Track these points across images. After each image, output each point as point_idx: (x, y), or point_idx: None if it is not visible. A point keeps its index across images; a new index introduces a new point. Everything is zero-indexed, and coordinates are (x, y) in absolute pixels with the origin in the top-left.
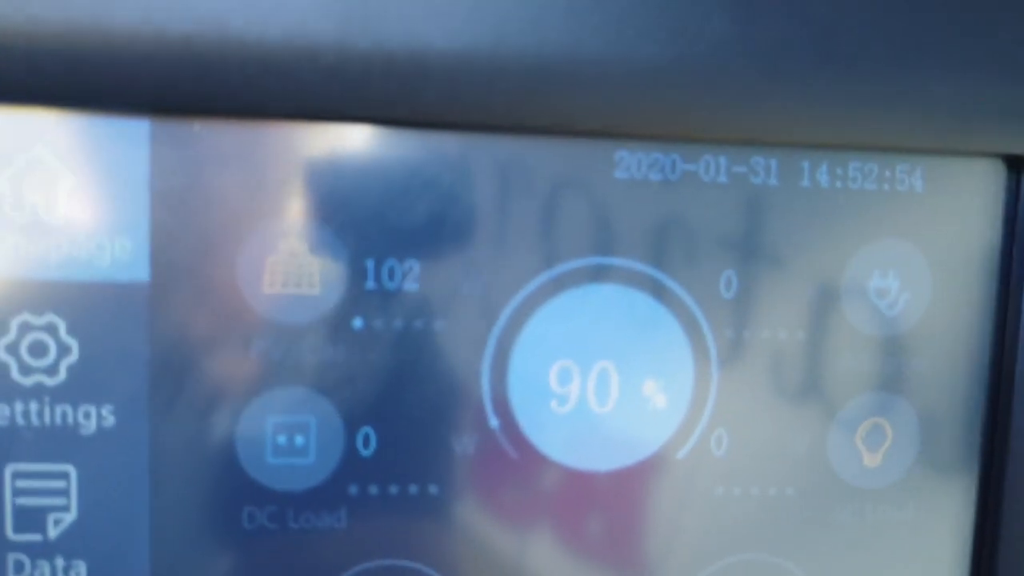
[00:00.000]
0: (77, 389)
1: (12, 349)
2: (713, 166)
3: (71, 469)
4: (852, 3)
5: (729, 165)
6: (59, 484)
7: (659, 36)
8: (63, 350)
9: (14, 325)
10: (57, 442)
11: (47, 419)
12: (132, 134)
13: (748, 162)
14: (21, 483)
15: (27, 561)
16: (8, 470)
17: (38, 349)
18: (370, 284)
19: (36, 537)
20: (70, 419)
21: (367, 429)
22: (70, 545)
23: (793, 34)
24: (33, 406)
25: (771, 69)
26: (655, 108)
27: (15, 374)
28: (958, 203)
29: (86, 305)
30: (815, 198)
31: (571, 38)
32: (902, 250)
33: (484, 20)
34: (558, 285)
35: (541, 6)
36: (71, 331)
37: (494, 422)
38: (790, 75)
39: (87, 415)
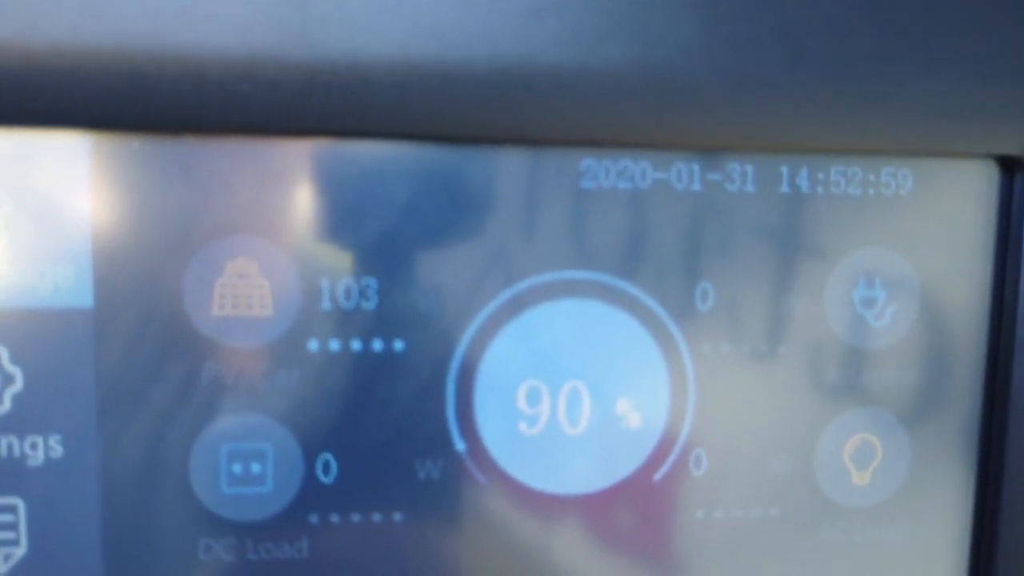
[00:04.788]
0: (23, 419)
1: None
2: (686, 173)
3: (19, 502)
4: (828, 1)
5: (703, 172)
6: (8, 518)
7: (622, 39)
8: (7, 379)
9: None
10: (4, 475)
11: None
12: (72, 155)
13: (723, 168)
14: None
15: None
16: None
17: None
18: (325, 304)
19: None
20: (16, 451)
21: (327, 455)
22: None
23: (765, 34)
24: None
25: (743, 72)
26: (621, 116)
27: None
28: (948, 207)
29: (29, 333)
30: (795, 205)
31: (526, 44)
32: (889, 258)
33: (432, 28)
34: (524, 301)
35: (493, 12)
36: (14, 360)
37: (460, 445)
38: (763, 78)
39: (34, 446)
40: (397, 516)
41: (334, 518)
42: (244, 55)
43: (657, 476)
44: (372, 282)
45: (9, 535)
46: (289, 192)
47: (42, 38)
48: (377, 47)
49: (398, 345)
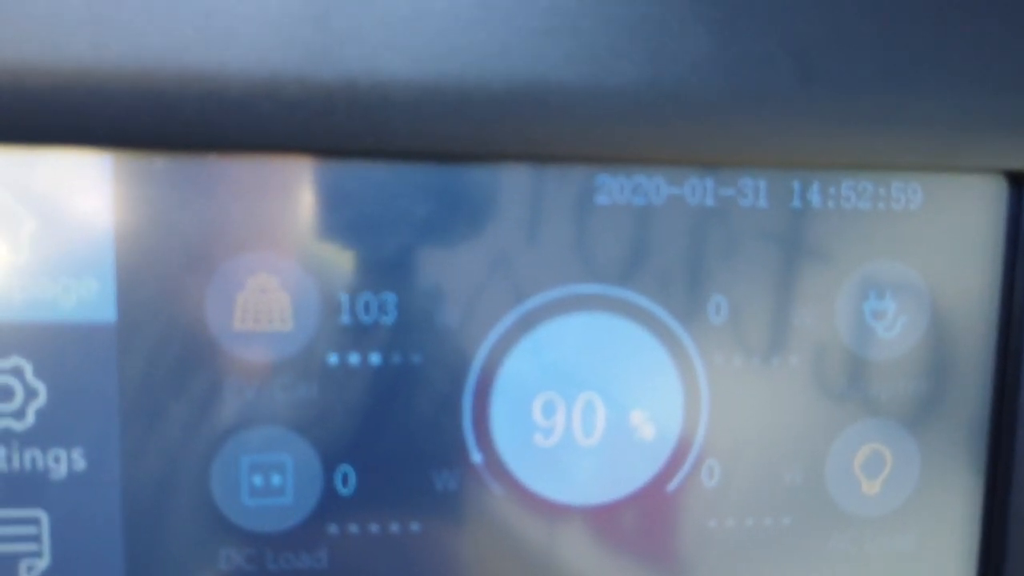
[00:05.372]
0: (46, 433)
1: None
2: (699, 189)
3: (42, 514)
4: (837, 17)
5: (716, 187)
6: (30, 530)
7: (635, 58)
8: (30, 394)
9: None
10: (27, 487)
11: (16, 464)
12: (95, 172)
13: (736, 184)
14: None
15: None
16: None
17: (4, 393)
18: (345, 319)
19: None
20: (40, 464)
21: (346, 467)
22: None
23: (777, 52)
24: (1, 451)
25: (755, 89)
26: (635, 133)
27: None
28: (957, 221)
29: (53, 347)
30: (807, 219)
31: (541, 63)
32: (899, 270)
33: (450, 47)
34: (540, 315)
35: (510, 32)
36: (38, 374)
37: (476, 456)
38: (775, 95)
39: (57, 459)
40: (415, 526)
41: (353, 528)
42: (265, 75)
43: (670, 486)
44: (391, 296)
45: (32, 547)
46: (309, 209)
47: (67, 59)
48: (396, 67)
49: (416, 359)
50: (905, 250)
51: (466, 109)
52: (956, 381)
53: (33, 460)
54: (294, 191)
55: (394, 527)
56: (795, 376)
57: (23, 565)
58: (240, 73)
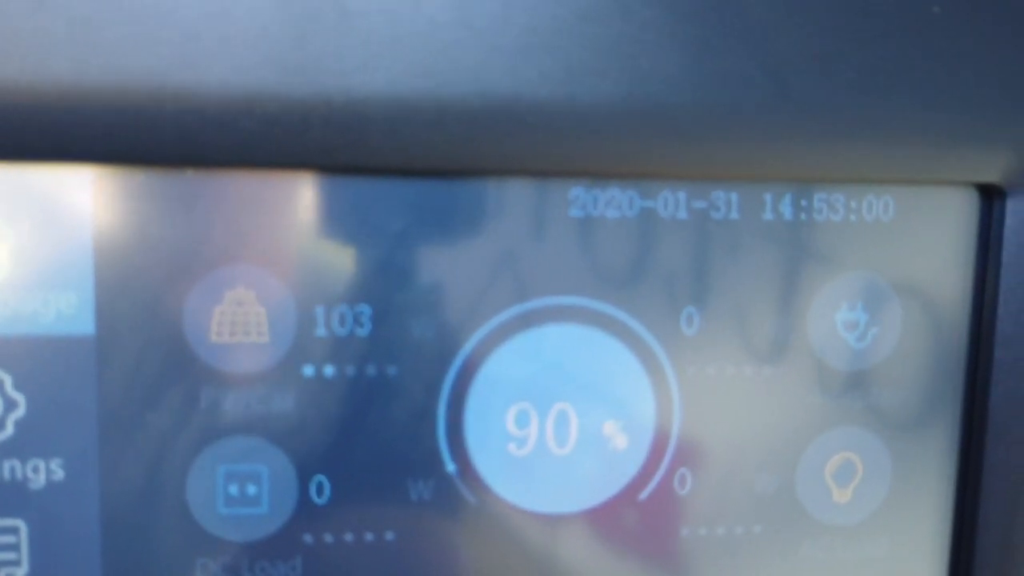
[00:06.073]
0: (25, 444)
1: None
2: (672, 202)
3: (21, 524)
4: (810, 33)
5: (688, 200)
6: (9, 539)
7: (610, 75)
8: (10, 405)
9: None
10: (6, 497)
11: None
12: (75, 187)
13: (708, 197)
14: None
15: None
16: None
17: None
18: (320, 331)
19: None
20: (19, 474)
21: (320, 477)
22: None
23: (751, 69)
24: None
25: (728, 105)
26: (609, 148)
27: None
28: (929, 233)
29: (32, 360)
30: (779, 231)
31: (517, 80)
32: (871, 282)
33: (426, 66)
34: (514, 326)
35: (486, 50)
36: (17, 386)
37: (450, 467)
38: (748, 111)
39: (36, 469)
40: (389, 535)
41: (328, 538)
42: (243, 93)
43: (643, 495)
44: (366, 309)
45: (11, 555)
46: (286, 223)
47: (48, 77)
48: (373, 84)
49: (390, 370)
50: (877, 262)
51: (442, 126)
52: (927, 391)
53: (12, 470)
54: (271, 206)
55: (369, 536)
56: (766, 386)
57: (2, 573)
58: (219, 91)
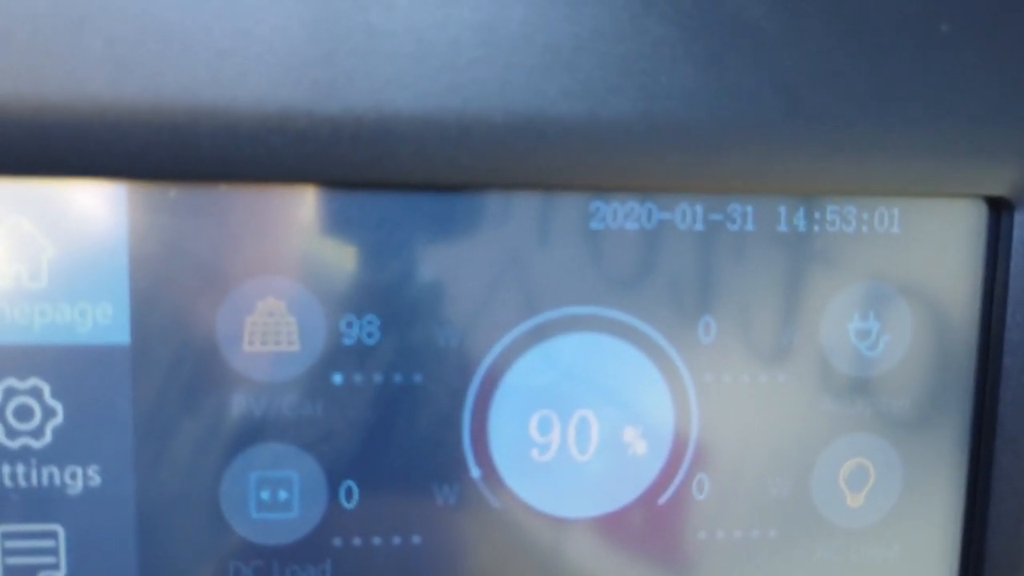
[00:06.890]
0: (63, 451)
1: None
2: (689, 214)
3: (59, 528)
4: (821, 50)
5: (705, 213)
6: (48, 543)
7: (629, 92)
8: (48, 413)
9: (0, 390)
10: (45, 502)
11: (34, 480)
12: (111, 202)
13: (724, 209)
14: (10, 543)
15: None
16: None
17: (24, 413)
18: (348, 340)
19: None
20: (57, 480)
21: (349, 482)
22: None
23: (764, 86)
24: (20, 468)
25: (743, 120)
26: (628, 163)
27: (2, 437)
28: (938, 244)
29: (69, 369)
30: (793, 242)
31: (539, 98)
32: (882, 292)
33: (451, 83)
34: (537, 336)
35: (509, 68)
36: (55, 394)
37: (475, 472)
38: (762, 126)
39: (73, 476)
40: (416, 539)
41: (356, 541)
42: (274, 110)
43: (661, 500)
44: (393, 319)
45: (50, 559)
46: (316, 236)
47: (86, 96)
48: (400, 101)
49: (417, 378)
50: (889, 272)
51: (467, 141)
52: (937, 398)
53: (51, 476)
54: (301, 220)
55: (396, 540)
56: (782, 394)
57: None
58: (250, 108)
